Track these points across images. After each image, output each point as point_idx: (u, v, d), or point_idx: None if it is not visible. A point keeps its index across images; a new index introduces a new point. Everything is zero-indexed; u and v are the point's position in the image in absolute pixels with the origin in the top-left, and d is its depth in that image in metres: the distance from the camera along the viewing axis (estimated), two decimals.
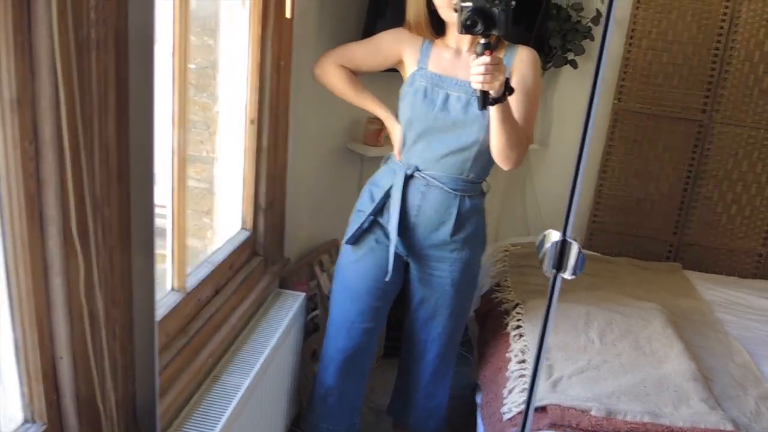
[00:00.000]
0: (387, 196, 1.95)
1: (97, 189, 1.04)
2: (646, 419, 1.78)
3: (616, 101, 3.07)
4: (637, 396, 1.88)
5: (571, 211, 1.08)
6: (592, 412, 1.78)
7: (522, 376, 1.99)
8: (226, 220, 2.03)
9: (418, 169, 1.91)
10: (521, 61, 1.84)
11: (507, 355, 2.13)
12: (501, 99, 1.63)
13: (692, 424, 1.77)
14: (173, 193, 1.54)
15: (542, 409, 1.82)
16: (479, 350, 2.41)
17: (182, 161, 1.53)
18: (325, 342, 2.11)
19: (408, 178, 1.92)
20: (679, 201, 3.14)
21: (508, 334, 2.25)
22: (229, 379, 1.70)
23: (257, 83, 1.92)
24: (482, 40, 1.55)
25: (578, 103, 3.01)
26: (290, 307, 2.12)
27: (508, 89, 1.62)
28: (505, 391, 1.97)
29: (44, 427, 1.09)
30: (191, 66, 1.74)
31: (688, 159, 3.09)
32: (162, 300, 1.55)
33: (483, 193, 2.01)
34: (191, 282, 1.67)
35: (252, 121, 1.94)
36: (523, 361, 2.05)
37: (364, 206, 2.00)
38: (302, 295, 2.22)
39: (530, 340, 2.13)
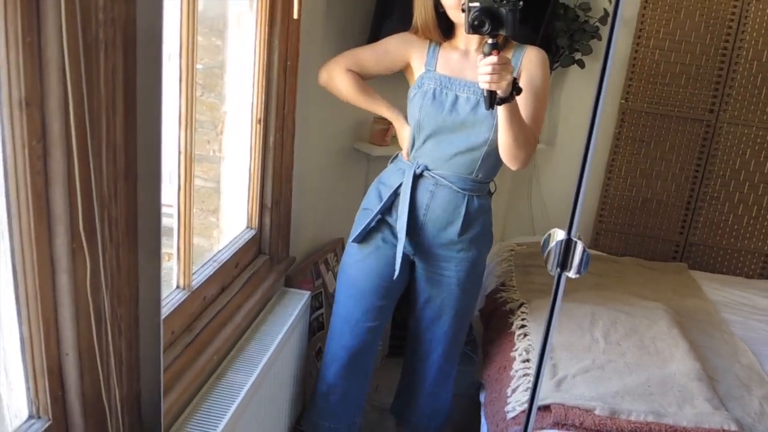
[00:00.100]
0: (395, 194, 1.95)
1: (105, 187, 1.05)
2: (650, 419, 1.77)
3: (623, 101, 3.06)
4: (641, 396, 1.88)
5: (576, 210, 1.09)
6: (596, 412, 1.78)
7: (526, 375, 1.99)
8: (232, 219, 2.04)
9: (427, 168, 1.91)
10: (530, 61, 1.85)
11: (511, 354, 2.13)
12: (508, 99, 1.63)
13: (696, 424, 1.77)
14: (180, 192, 1.55)
15: (546, 408, 1.81)
16: (483, 349, 2.41)
17: (189, 160, 1.54)
18: (328, 339, 2.12)
19: (417, 177, 1.92)
20: (685, 201, 3.13)
21: (512, 333, 2.24)
22: (233, 376, 1.71)
23: (264, 83, 1.93)
24: (490, 40, 1.55)
25: (585, 102, 3.01)
26: (295, 305, 2.12)
27: (515, 89, 1.62)
28: (509, 390, 1.97)
29: (49, 422, 1.10)
30: (199, 66, 1.75)
31: (695, 159, 3.08)
32: (167, 298, 1.56)
33: (490, 193, 2.01)
34: (197, 280, 1.68)
35: (259, 121, 1.95)
36: (528, 360, 2.05)
37: (371, 205, 2.00)
38: (307, 293, 2.23)
39: (535, 339, 2.13)
